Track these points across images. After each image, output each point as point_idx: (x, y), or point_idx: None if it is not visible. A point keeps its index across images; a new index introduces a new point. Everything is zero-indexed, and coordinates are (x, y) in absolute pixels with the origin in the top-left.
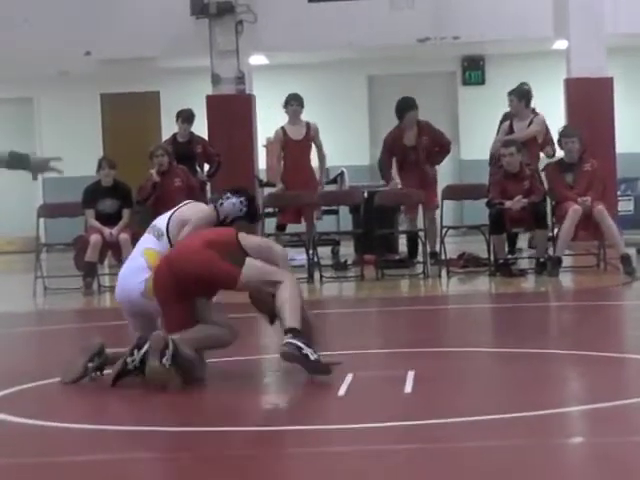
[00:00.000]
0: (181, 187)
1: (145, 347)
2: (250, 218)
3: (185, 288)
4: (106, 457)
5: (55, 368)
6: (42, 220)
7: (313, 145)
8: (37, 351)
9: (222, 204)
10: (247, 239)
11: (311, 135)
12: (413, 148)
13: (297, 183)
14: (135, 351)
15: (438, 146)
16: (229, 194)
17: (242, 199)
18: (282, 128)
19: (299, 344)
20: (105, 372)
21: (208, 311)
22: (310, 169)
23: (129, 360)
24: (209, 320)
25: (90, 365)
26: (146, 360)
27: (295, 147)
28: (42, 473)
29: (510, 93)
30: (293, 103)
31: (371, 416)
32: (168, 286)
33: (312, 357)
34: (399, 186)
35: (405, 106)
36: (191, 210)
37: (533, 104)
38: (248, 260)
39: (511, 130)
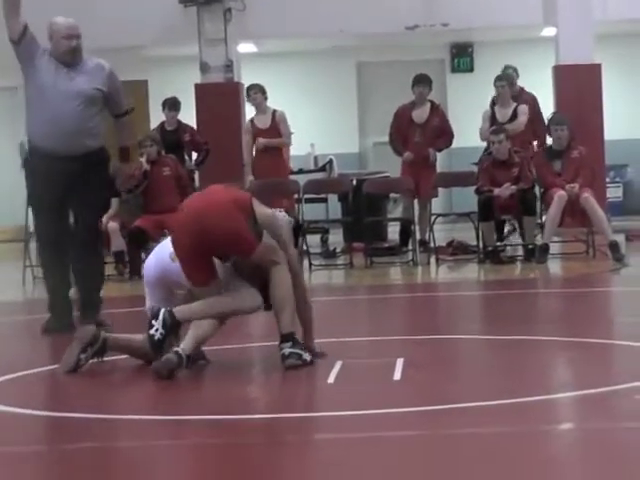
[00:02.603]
0: (170, 176)
1: (161, 314)
2: None
3: (208, 244)
4: (96, 445)
5: (44, 357)
6: (31, 209)
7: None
8: (26, 340)
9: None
10: (259, 208)
11: (277, 122)
12: (421, 127)
13: (268, 171)
14: (153, 321)
15: (443, 133)
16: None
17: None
18: (251, 119)
19: (299, 352)
20: (106, 358)
21: (232, 276)
22: (280, 157)
23: (153, 332)
24: (233, 285)
25: (83, 356)
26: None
27: (263, 136)
28: (33, 461)
29: (500, 79)
30: (251, 92)
31: (360, 403)
32: (193, 238)
33: (309, 359)
34: (411, 157)
35: (414, 80)
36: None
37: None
38: (264, 237)
39: (493, 117)
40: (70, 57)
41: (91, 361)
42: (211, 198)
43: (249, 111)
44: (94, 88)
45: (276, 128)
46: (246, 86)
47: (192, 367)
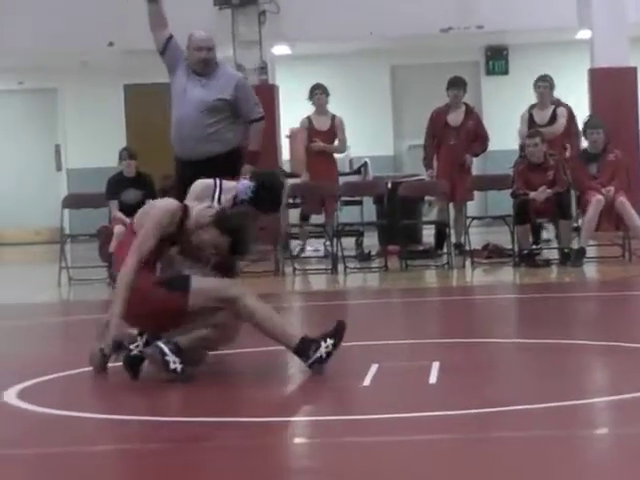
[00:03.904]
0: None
1: (165, 348)
2: (255, 205)
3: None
4: (128, 447)
5: (81, 358)
6: (67, 211)
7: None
8: (62, 342)
9: (240, 181)
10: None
11: (335, 127)
12: (456, 130)
13: (319, 173)
14: (138, 337)
15: (478, 137)
16: (250, 175)
17: (253, 185)
18: (308, 118)
19: (322, 355)
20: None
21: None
22: (333, 160)
23: (174, 367)
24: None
25: (103, 346)
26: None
27: (319, 138)
28: (67, 463)
29: (543, 79)
30: (317, 92)
31: (396, 406)
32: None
33: (329, 349)
34: (432, 178)
35: (448, 83)
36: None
37: (557, 94)
38: (193, 283)
39: (531, 119)
40: (201, 67)
41: (113, 361)
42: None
43: (283, 113)
44: (217, 98)
45: (333, 132)
46: (311, 85)
47: (190, 369)
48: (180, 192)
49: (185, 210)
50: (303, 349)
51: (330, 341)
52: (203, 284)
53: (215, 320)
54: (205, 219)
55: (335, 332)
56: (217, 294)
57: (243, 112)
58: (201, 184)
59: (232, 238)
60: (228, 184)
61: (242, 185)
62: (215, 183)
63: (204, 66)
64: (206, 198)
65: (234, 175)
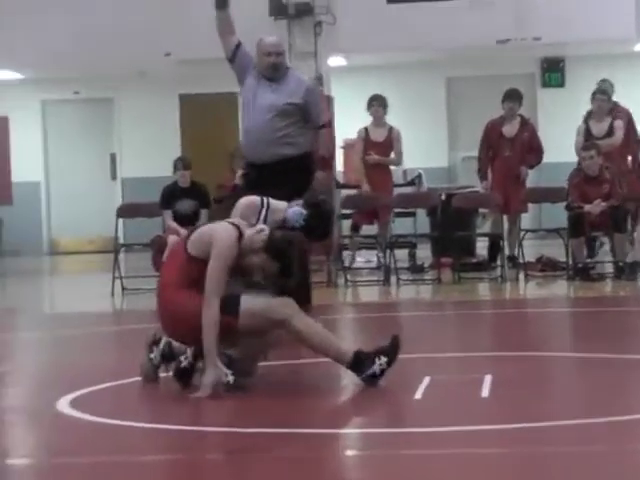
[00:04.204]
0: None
1: (162, 342)
2: (306, 233)
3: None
4: (179, 457)
5: (133, 368)
6: (121, 220)
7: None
8: (115, 351)
9: (292, 206)
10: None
11: (392, 139)
12: (511, 141)
13: (375, 185)
14: (154, 347)
15: (532, 150)
16: (302, 202)
17: (305, 212)
18: (365, 128)
19: (376, 372)
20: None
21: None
22: (388, 172)
23: (182, 358)
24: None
25: (152, 356)
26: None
27: (375, 149)
28: (119, 472)
29: (603, 92)
30: (374, 104)
31: (448, 420)
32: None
33: (384, 366)
34: (487, 190)
35: (504, 95)
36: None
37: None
38: (243, 303)
39: (588, 132)
40: (270, 72)
41: (163, 372)
42: (160, 294)
43: (338, 124)
44: (287, 103)
45: (389, 143)
46: (369, 96)
47: (242, 380)
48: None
49: (240, 234)
50: (357, 364)
51: (384, 358)
52: (253, 305)
53: (266, 339)
54: (258, 244)
55: (390, 348)
56: (266, 315)
57: (312, 117)
58: (247, 201)
59: (280, 263)
60: (276, 204)
61: (293, 212)
62: (262, 202)
63: (274, 71)
64: (252, 216)
65: (308, 179)
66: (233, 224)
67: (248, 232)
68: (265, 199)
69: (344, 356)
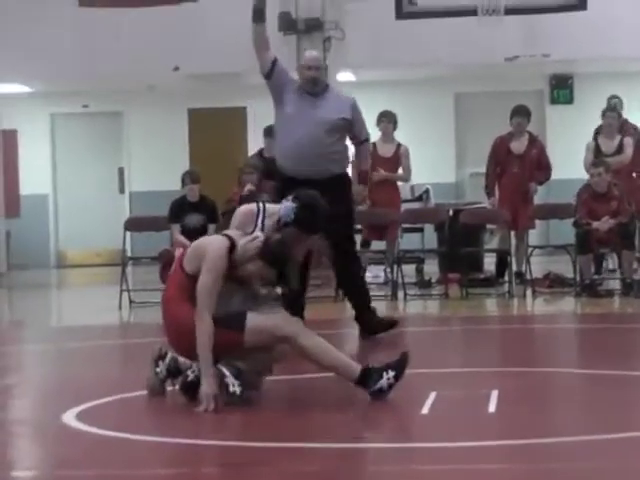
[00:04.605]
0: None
1: (168, 357)
2: (298, 226)
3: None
4: (184, 471)
5: (140, 381)
6: (129, 233)
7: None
8: (121, 364)
9: (283, 204)
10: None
11: (400, 155)
12: (520, 158)
13: (381, 200)
14: (160, 362)
15: (541, 166)
16: (292, 197)
17: (295, 205)
18: (373, 143)
19: (384, 387)
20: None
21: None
22: (395, 188)
23: (233, 390)
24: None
25: (158, 370)
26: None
27: (382, 164)
28: None
29: (613, 109)
30: (383, 120)
31: (454, 435)
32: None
33: (391, 381)
34: (494, 206)
35: (512, 111)
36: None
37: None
38: (249, 320)
39: (598, 149)
40: (310, 86)
41: (169, 385)
42: (163, 309)
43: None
44: (340, 117)
45: (397, 159)
46: (379, 112)
47: (249, 393)
48: None
49: (232, 245)
50: (364, 379)
51: (392, 373)
52: (258, 322)
53: (272, 354)
54: (251, 252)
55: (398, 364)
56: (272, 332)
57: (356, 132)
58: (243, 209)
59: (276, 268)
60: (272, 208)
61: (285, 208)
62: (258, 208)
63: (313, 85)
64: (250, 224)
65: (345, 197)
66: (225, 235)
67: (241, 242)
68: (261, 204)
69: (352, 372)
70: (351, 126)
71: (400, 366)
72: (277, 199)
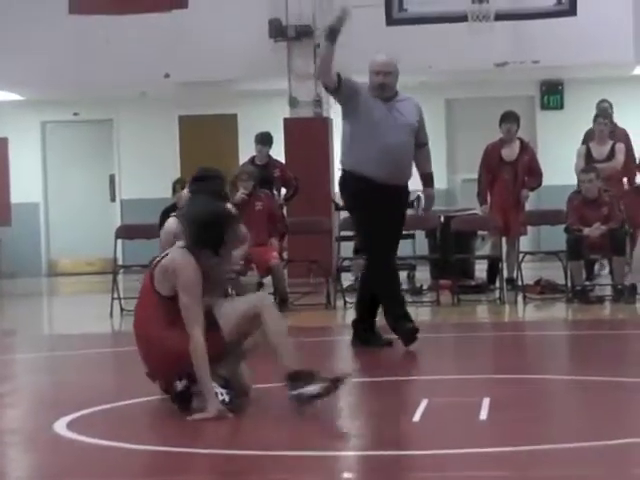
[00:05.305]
0: (262, 211)
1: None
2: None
3: None
4: (175, 479)
5: (130, 390)
6: (120, 241)
7: None
8: (113, 372)
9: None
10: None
11: None
12: (511, 164)
13: None
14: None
15: (532, 173)
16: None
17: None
18: None
19: (307, 393)
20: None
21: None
22: None
23: (178, 383)
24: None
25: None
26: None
27: None
28: None
29: (604, 116)
30: None
31: (446, 442)
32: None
33: (313, 393)
34: (486, 213)
35: (501, 117)
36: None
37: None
38: (218, 315)
39: (589, 154)
40: (378, 92)
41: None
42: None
43: (337, 146)
44: (416, 120)
45: None
46: None
47: (238, 401)
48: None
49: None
50: (293, 379)
51: (319, 388)
52: (228, 312)
53: (247, 344)
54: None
55: (330, 382)
56: (242, 315)
57: (421, 135)
58: (173, 221)
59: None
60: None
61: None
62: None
63: (381, 91)
64: (180, 235)
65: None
66: (183, 247)
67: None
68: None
69: (287, 365)
70: (418, 129)
71: (330, 387)
72: (361, 207)
